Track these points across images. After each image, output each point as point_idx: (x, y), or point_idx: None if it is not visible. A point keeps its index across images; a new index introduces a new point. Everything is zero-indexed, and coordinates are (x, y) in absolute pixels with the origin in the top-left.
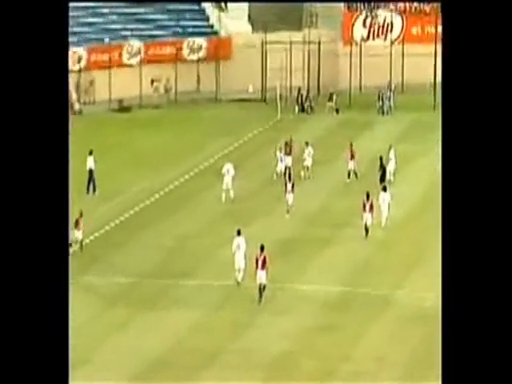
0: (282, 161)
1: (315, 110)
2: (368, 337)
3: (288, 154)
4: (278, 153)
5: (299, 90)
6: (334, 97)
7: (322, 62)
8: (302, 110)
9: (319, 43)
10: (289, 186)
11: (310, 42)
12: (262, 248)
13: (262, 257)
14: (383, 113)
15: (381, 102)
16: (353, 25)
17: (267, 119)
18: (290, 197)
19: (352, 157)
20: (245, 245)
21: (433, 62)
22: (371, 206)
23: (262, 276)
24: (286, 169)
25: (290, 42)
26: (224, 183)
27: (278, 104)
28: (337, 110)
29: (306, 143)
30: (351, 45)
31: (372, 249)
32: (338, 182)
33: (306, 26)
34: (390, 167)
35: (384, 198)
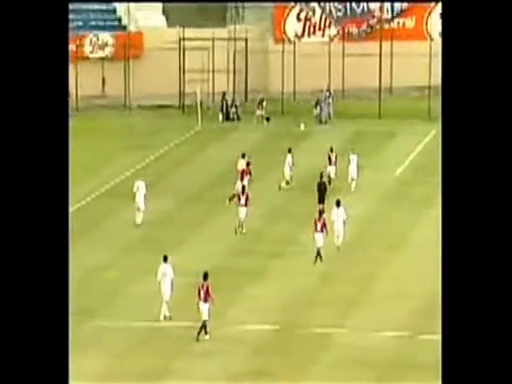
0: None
1: (242, 118)
2: None
3: (242, 178)
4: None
5: (223, 95)
6: (264, 103)
7: (249, 63)
8: (227, 118)
9: (246, 40)
10: (242, 199)
11: (235, 39)
12: (206, 276)
13: (205, 287)
14: (321, 121)
15: (318, 109)
16: (285, 19)
17: (186, 129)
18: (242, 211)
19: (330, 163)
20: (172, 273)
21: (377, 63)
22: (323, 226)
23: (204, 310)
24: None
25: (213, 39)
26: (136, 203)
27: (199, 111)
28: (267, 119)
29: (289, 150)
30: (284, 42)
31: (317, 278)
32: (275, 201)
33: (230, 21)
34: (352, 173)
35: (338, 214)
